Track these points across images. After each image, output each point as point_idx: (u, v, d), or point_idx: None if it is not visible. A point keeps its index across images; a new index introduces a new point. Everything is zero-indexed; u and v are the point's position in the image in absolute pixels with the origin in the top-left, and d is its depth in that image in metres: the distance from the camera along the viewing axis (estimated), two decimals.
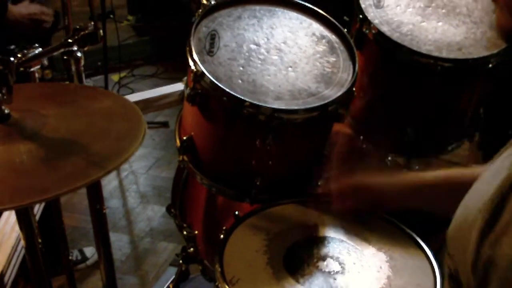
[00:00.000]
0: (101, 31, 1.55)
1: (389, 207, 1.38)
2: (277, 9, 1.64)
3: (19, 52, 1.43)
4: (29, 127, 1.21)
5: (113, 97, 1.46)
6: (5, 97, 1.23)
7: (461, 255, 0.90)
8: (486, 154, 2.13)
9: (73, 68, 1.61)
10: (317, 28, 1.62)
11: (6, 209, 1.33)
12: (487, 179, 0.93)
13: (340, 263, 1.29)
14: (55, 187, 1.06)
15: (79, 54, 1.58)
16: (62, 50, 1.55)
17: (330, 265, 1.29)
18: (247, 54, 1.51)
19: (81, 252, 2.70)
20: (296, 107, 1.42)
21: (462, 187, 1.10)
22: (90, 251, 2.70)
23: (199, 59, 1.45)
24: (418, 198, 1.32)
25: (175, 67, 4.42)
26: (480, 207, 0.87)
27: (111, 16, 3.96)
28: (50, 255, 1.42)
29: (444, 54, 1.60)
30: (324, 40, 1.59)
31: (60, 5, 2.45)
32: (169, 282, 2.21)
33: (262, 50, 1.53)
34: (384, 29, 1.65)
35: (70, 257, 1.76)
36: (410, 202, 1.33)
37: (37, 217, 1.59)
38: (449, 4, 1.73)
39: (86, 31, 1.52)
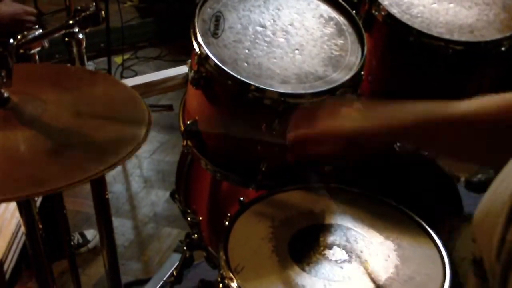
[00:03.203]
0: (103, 12, 1.52)
1: (365, 152, 1.28)
2: None
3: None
4: (28, 112, 1.18)
5: (116, 84, 1.42)
6: (4, 80, 1.19)
7: (486, 242, 0.88)
8: None
9: (75, 50, 1.58)
10: (325, 9, 1.60)
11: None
12: None
13: (347, 252, 1.28)
14: (56, 180, 1.02)
15: (80, 35, 1.55)
16: (63, 31, 1.52)
17: (337, 253, 1.27)
18: (252, 36, 1.49)
19: (82, 235, 2.68)
20: (303, 91, 1.40)
21: (444, 124, 1.06)
22: (91, 234, 2.69)
23: (203, 41, 1.43)
24: (398, 137, 1.20)
25: (180, 49, 4.37)
26: (509, 193, 0.84)
27: None
28: (52, 240, 1.40)
29: (456, 37, 1.57)
30: (332, 22, 1.57)
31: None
32: (173, 268, 2.20)
33: (268, 32, 1.51)
34: (394, 10, 1.62)
35: (71, 242, 1.74)
36: (389, 143, 1.24)
37: (38, 203, 1.57)
38: None
39: (88, 12, 1.49)
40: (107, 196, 1.49)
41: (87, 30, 1.54)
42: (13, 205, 1.49)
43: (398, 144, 1.83)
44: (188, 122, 1.56)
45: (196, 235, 1.82)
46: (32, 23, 2.27)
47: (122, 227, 2.84)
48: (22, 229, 1.29)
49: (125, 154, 1.08)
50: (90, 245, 2.68)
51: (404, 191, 1.62)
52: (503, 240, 0.83)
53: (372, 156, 1.31)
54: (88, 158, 1.08)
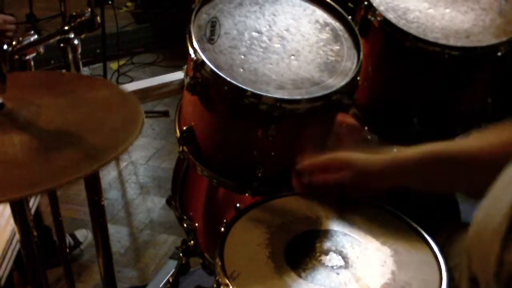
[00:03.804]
0: (98, 17, 1.52)
1: (372, 187, 1.32)
2: None
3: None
4: (23, 117, 1.18)
5: (110, 87, 1.43)
6: None
7: (481, 262, 0.87)
8: None
9: (70, 56, 1.58)
10: (321, 15, 1.60)
11: None
12: (508, 182, 0.89)
13: (343, 257, 1.27)
14: (49, 180, 1.03)
15: (76, 41, 1.55)
16: (58, 37, 1.52)
17: (333, 259, 1.26)
18: (248, 42, 1.49)
19: (73, 236, 2.67)
20: (299, 97, 1.40)
21: (449, 161, 1.08)
22: (82, 234, 2.68)
23: (199, 47, 1.43)
24: (404, 175, 1.25)
25: (175, 55, 4.38)
26: (504, 213, 0.84)
27: (110, 2, 3.93)
28: (45, 247, 1.40)
29: (452, 42, 1.57)
30: (327, 28, 1.56)
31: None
32: (169, 275, 2.20)
33: (264, 38, 1.51)
34: (390, 16, 1.62)
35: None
36: (394, 180, 1.26)
37: (33, 210, 1.56)
38: None
39: (83, 18, 1.49)
40: (102, 203, 1.48)
41: (82, 36, 1.54)
42: (7, 212, 1.49)
43: (395, 150, 1.83)
44: (184, 128, 1.55)
45: (192, 242, 1.81)
46: (13, 32, 2.23)
47: (118, 234, 2.83)
48: (17, 236, 1.29)
49: (118, 152, 1.09)
50: (82, 246, 2.67)
51: (401, 196, 1.62)
52: (501, 260, 0.82)
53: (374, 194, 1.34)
54: (81, 158, 1.09)
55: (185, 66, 1.54)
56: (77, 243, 2.67)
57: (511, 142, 1.06)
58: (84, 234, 2.68)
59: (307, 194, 1.34)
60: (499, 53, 1.57)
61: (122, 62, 4.33)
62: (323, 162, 1.31)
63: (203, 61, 1.41)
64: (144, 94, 3.26)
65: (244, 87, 1.37)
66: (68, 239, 2.65)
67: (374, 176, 1.24)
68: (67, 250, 2.51)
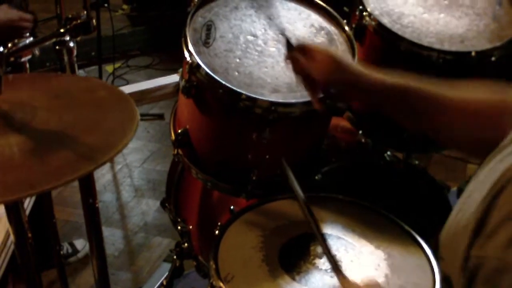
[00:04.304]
0: (94, 20, 1.51)
1: (355, 96, 1.35)
2: None
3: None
4: (19, 119, 1.18)
5: (105, 88, 1.43)
6: None
7: (452, 259, 0.89)
8: None
9: (66, 58, 1.58)
10: (316, 19, 1.60)
11: None
12: (480, 183, 0.91)
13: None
14: (44, 181, 1.03)
15: (71, 44, 1.55)
16: (53, 40, 1.52)
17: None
18: (244, 45, 1.49)
19: (72, 245, 2.67)
20: (293, 100, 1.40)
21: (417, 97, 1.15)
22: (80, 244, 2.67)
23: (194, 50, 1.43)
24: (371, 93, 1.25)
25: (171, 58, 4.38)
26: (473, 211, 0.86)
27: (105, 5, 3.92)
28: (41, 249, 1.39)
29: (446, 47, 1.58)
30: (323, 32, 1.57)
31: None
32: (163, 278, 2.19)
33: (260, 42, 1.51)
34: (385, 20, 1.62)
35: (61, 252, 1.73)
36: (363, 94, 1.29)
37: (27, 211, 1.56)
38: None
39: (79, 21, 1.49)
40: (97, 205, 1.48)
41: (78, 39, 1.54)
42: (2, 213, 1.48)
43: (388, 153, 1.83)
44: (179, 131, 1.55)
45: (186, 244, 1.81)
46: (29, 29, 2.24)
47: (112, 237, 2.83)
48: (11, 238, 1.28)
49: (113, 153, 1.09)
50: (79, 255, 2.66)
51: (395, 200, 1.62)
52: (468, 255, 0.84)
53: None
54: (76, 160, 1.09)
55: (181, 69, 1.54)
56: (75, 251, 2.66)
57: (482, 101, 1.09)
58: (83, 244, 2.68)
59: (293, 66, 1.35)
60: (493, 58, 1.58)
61: (117, 64, 4.32)
62: (316, 49, 1.31)
63: (198, 64, 1.41)
64: (140, 97, 3.26)
65: (239, 90, 1.37)
66: (66, 246, 2.65)
67: (360, 89, 1.25)
68: (64, 257, 2.52)
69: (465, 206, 0.92)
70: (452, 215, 0.95)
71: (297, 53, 1.31)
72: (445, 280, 0.94)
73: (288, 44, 1.37)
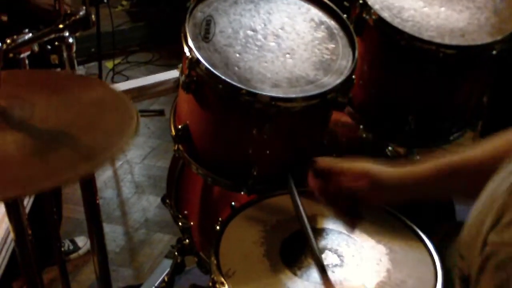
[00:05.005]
0: (93, 16, 1.51)
1: (387, 199, 1.31)
2: None
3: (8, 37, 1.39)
4: (17, 116, 1.17)
5: (105, 87, 1.42)
6: None
7: (472, 257, 0.88)
8: None
9: (65, 54, 1.57)
10: (316, 13, 1.59)
11: None
12: (499, 181, 0.90)
13: (338, 256, 1.27)
14: (43, 179, 1.02)
15: (70, 40, 1.54)
16: (52, 35, 1.51)
17: (328, 257, 1.26)
18: (243, 40, 1.49)
19: (73, 241, 2.66)
20: (294, 95, 1.40)
21: (462, 171, 1.13)
22: (82, 240, 2.67)
23: (194, 46, 1.42)
24: (421, 188, 1.26)
25: (171, 53, 4.36)
26: (493, 206, 0.85)
27: (105, 0, 3.91)
28: (42, 246, 1.39)
29: (447, 41, 1.57)
30: (323, 26, 1.56)
31: None
32: (164, 274, 2.19)
33: (259, 36, 1.50)
34: (385, 14, 1.62)
35: (62, 248, 1.73)
36: (411, 194, 1.27)
37: (27, 208, 1.55)
38: None
39: (78, 16, 1.48)
40: (98, 202, 1.48)
41: (77, 34, 1.53)
42: (2, 211, 1.48)
43: (390, 148, 1.83)
44: (179, 127, 1.55)
45: (187, 240, 1.81)
46: (69, 9, 2.21)
47: (113, 233, 2.82)
48: (11, 235, 1.28)
49: (114, 152, 1.08)
50: (80, 252, 2.66)
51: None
52: (485, 241, 0.83)
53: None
54: (76, 158, 1.08)
55: (180, 64, 1.54)
56: (76, 248, 2.66)
57: (503, 150, 1.08)
58: (84, 241, 2.67)
59: (320, 196, 1.33)
60: (494, 52, 1.58)
61: (117, 61, 4.31)
62: (341, 168, 1.30)
63: (198, 60, 1.40)
64: (139, 92, 3.24)
65: (239, 85, 1.37)
66: (68, 243, 2.65)
67: (390, 189, 1.24)
68: (65, 254, 2.51)
69: (484, 206, 0.91)
70: (472, 215, 0.94)
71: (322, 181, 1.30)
72: (463, 280, 0.93)
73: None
